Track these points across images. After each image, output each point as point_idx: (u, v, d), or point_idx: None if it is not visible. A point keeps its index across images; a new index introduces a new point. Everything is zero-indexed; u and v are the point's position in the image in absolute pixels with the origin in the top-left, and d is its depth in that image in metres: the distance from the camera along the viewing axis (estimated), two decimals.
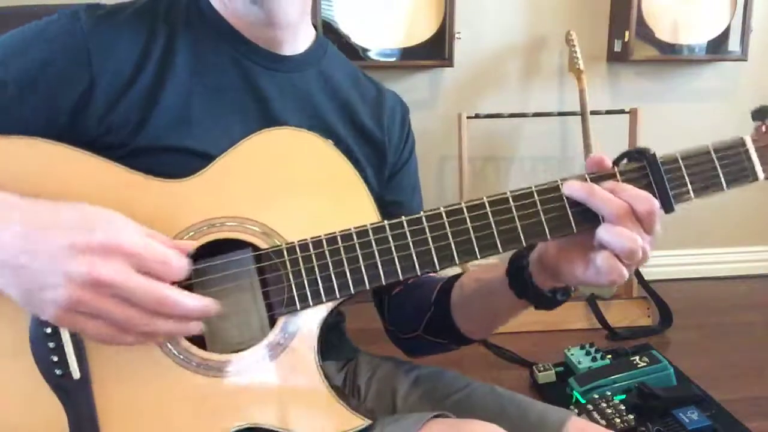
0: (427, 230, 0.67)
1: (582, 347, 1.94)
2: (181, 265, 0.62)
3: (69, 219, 0.60)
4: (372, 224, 0.68)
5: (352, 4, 2.27)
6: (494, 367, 1.99)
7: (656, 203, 0.64)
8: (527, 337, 2.05)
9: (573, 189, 0.66)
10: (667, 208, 0.68)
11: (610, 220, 0.64)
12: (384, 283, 0.67)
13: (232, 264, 0.70)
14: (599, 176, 0.68)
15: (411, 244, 0.67)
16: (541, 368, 1.89)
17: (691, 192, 0.69)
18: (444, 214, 0.67)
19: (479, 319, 0.82)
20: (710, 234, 2.69)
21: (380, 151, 0.89)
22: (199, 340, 0.70)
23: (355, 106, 0.88)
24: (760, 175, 0.72)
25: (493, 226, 0.67)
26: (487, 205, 0.67)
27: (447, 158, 2.46)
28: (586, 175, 0.68)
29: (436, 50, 2.32)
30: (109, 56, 0.74)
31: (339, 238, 0.67)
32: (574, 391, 1.73)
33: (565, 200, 0.67)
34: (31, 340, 0.65)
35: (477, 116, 2.32)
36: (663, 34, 2.41)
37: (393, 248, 0.67)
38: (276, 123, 0.79)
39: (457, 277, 0.83)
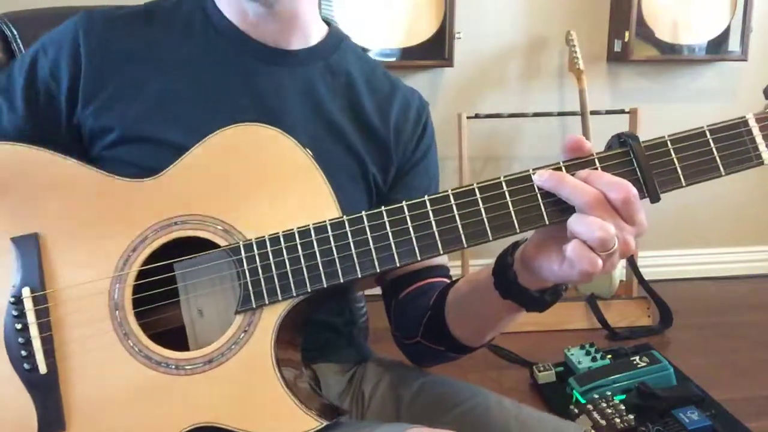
0: (387, 225, 0.64)
1: (582, 347, 1.94)
2: None
3: None
4: (331, 220, 0.66)
5: (351, 3, 2.27)
6: (494, 367, 1.98)
7: (632, 190, 0.59)
8: (527, 337, 2.05)
9: (543, 178, 0.62)
10: (652, 196, 0.62)
11: (582, 209, 0.59)
12: (342, 280, 0.65)
13: (213, 265, 0.69)
14: (575, 164, 0.63)
15: (370, 239, 0.65)
16: (541, 368, 1.89)
17: (682, 179, 0.62)
18: (406, 208, 0.64)
19: (470, 323, 0.79)
20: (710, 234, 2.68)
21: (384, 149, 0.87)
22: (181, 341, 0.70)
23: (362, 102, 0.86)
24: (766, 158, 0.63)
25: (457, 219, 0.63)
26: (451, 197, 0.64)
27: (447, 158, 2.45)
28: (561, 164, 0.63)
29: (436, 50, 2.33)
30: (96, 48, 0.78)
31: (297, 234, 0.65)
32: (574, 391, 1.73)
33: (537, 191, 0.63)
34: (5, 335, 0.67)
35: (477, 116, 2.32)
36: (663, 34, 2.41)
37: (351, 244, 0.65)
38: (271, 117, 0.78)
39: (457, 280, 0.81)
